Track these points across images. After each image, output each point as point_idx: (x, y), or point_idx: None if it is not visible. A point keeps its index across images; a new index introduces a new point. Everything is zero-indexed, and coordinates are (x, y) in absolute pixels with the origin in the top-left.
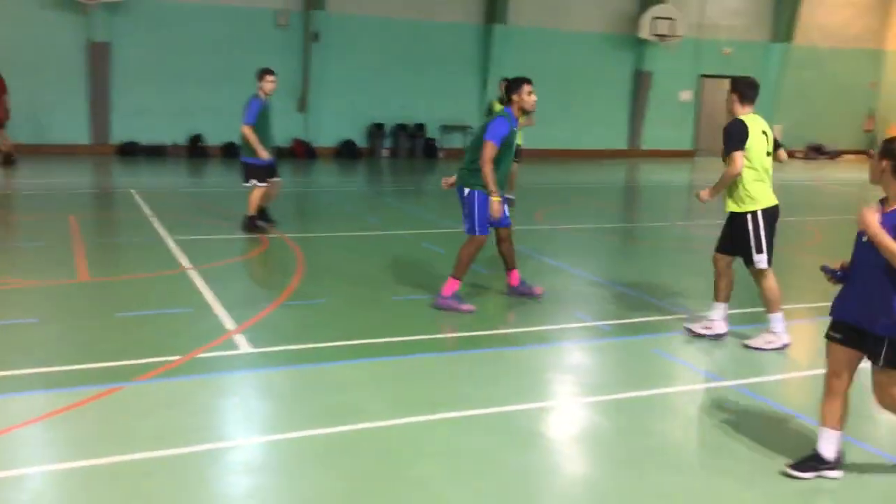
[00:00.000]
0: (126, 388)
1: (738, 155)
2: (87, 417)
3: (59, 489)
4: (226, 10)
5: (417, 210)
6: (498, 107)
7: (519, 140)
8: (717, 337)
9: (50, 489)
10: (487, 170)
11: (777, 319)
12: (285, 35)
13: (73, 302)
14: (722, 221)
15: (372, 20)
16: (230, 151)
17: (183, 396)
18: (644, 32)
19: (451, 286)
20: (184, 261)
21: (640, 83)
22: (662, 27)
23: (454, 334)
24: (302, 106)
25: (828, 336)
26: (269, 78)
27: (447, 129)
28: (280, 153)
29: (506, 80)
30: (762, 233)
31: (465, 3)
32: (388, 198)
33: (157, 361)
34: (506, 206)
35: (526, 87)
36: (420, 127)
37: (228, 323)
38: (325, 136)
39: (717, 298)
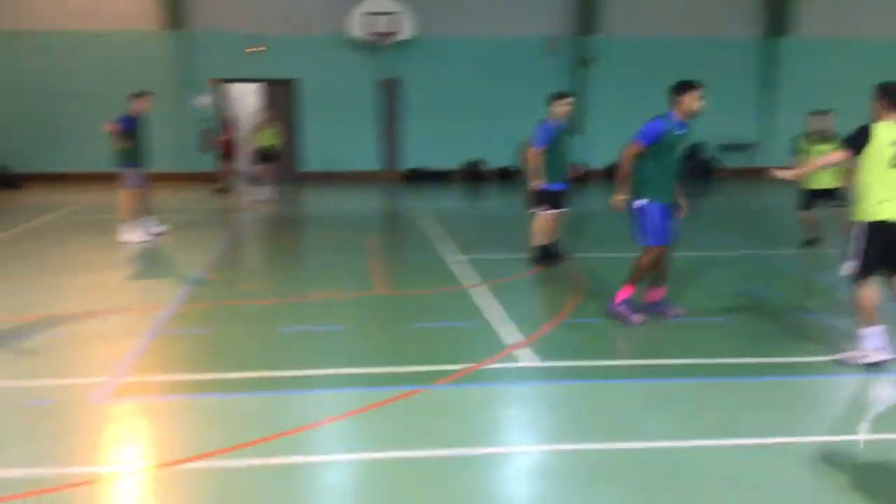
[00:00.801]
0: (424, 391)
1: (840, 153)
2: (391, 415)
3: (365, 476)
4: (503, 41)
5: (695, 232)
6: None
7: None
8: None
9: (357, 475)
10: (623, 166)
11: (864, 335)
12: (557, 61)
13: (373, 313)
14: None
15: (645, 40)
16: (506, 176)
17: (473, 402)
18: None
19: (623, 293)
20: (469, 278)
21: None
22: None
23: (740, 360)
24: (577, 128)
25: None
26: (565, 101)
27: (727, 148)
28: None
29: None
30: (861, 243)
31: (744, 16)
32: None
33: (449, 369)
34: (668, 219)
35: (693, 92)
36: (696, 147)
37: (511, 337)
38: (598, 159)
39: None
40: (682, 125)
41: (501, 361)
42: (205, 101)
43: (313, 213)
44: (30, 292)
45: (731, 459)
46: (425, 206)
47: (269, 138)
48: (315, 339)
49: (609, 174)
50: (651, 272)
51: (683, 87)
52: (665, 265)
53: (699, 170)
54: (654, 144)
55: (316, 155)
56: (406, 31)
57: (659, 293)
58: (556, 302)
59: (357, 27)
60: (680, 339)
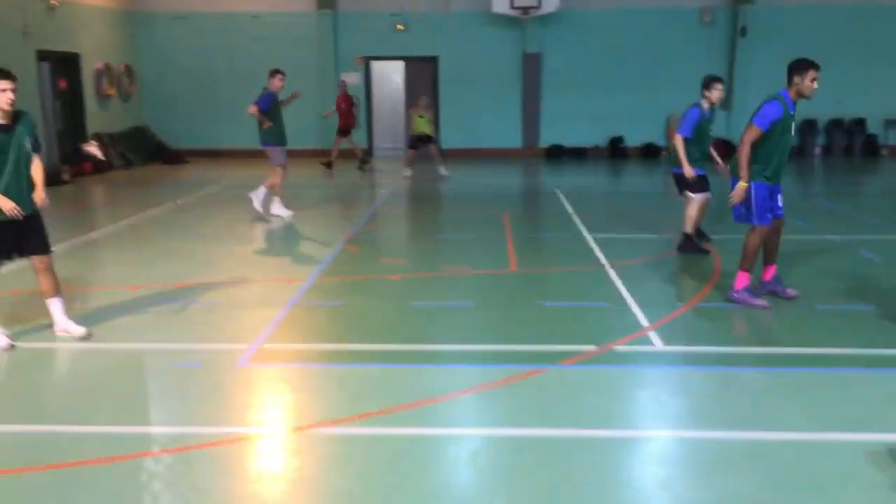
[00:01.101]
0: (550, 370)
1: None
2: (516, 393)
3: (487, 452)
4: (648, 12)
5: (855, 213)
6: None
7: None
8: None
9: (480, 451)
10: (743, 150)
11: None
12: (709, 32)
13: (504, 290)
14: None
15: (802, 9)
16: (648, 153)
17: (600, 384)
18: None
19: (741, 279)
20: (602, 257)
21: None
22: None
23: (879, 351)
24: (726, 104)
25: None
26: (718, 86)
27: (893, 123)
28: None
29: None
30: None
31: None
32: (820, 199)
33: (577, 349)
34: (779, 196)
35: (811, 73)
36: (859, 122)
37: (643, 319)
38: None
39: None
40: (793, 104)
41: (630, 344)
42: (353, 78)
43: (452, 189)
44: (187, 261)
45: (858, 456)
46: (565, 183)
47: (423, 125)
48: (446, 315)
49: None
50: (758, 251)
51: (803, 65)
52: (774, 244)
53: (863, 147)
54: (771, 128)
55: (456, 132)
56: (548, 4)
57: (770, 272)
58: (690, 285)
59: (499, 2)
60: (817, 328)
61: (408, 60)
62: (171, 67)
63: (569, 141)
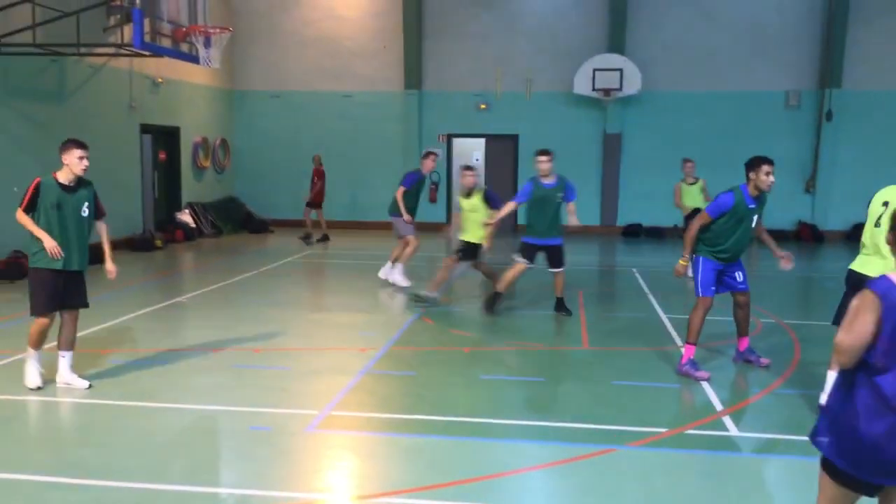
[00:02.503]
0: (618, 451)
1: None
2: (582, 472)
3: None
4: (733, 95)
5: None
6: None
7: None
8: None
9: None
10: (690, 232)
11: None
12: (794, 116)
13: (575, 366)
14: None
15: (889, 94)
16: None
17: (669, 468)
18: None
19: (686, 352)
20: (676, 338)
21: None
22: None
23: None
24: (809, 187)
25: None
26: (766, 169)
27: None
28: (783, 236)
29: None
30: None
31: None
32: None
33: (647, 431)
34: (738, 273)
35: (764, 168)
36: None
37: (717, 402)
38: (834, 219)
39: None
40: (751, 199)
41: (703, 428)
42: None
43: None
44: (267, 326)
45: None
46: (641, 262)
47: (693, 197)
48: (514, 389)
49: (848, 236)
50: (702, 324)
51: (756, 161)
52: (741, 317)
53: None
54: (719, 216)
55: None
56: (630, 86)
57: (743, 343)
58: (767, 369)
59: (581, 83)
60: None
61: (489, 138)
62: (263, 142)
63: (647, 220)
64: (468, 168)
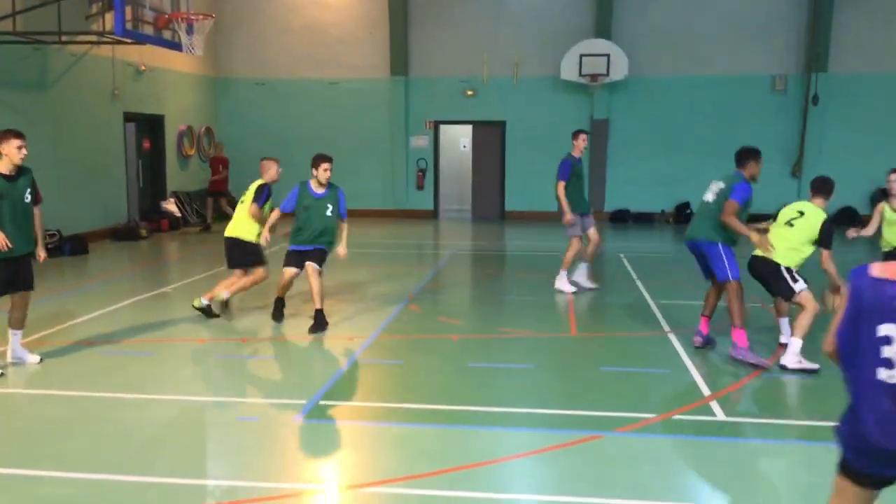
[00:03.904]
0: (606, 437)
1: None
2: (571, 459)
3: None
4: (719, 79)
5: None
6: None
7: None
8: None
9: None
10: (734, 222)
11: None
12: (781, 100)
13: (563, 353)
14: None
15: (875, 77)
16: None
17: (657, 453)
18: None
19: (739, 336)
20: (664, 323)
21: None
22: None
23: None
24: (796, 171)
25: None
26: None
27: None
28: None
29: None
30: None
31: None
32: None
33: (635, 416)
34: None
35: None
36: None
37: (704, 388)
38: None
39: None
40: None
41: (690, 413)
42: (422, 142)
43: (514, 252)
44: (253, 316)
45: None
46: (629, 248)
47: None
48: (503, 377)
49: (834, 221)
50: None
51: (751, 153)
52: (716, 300)
53: None
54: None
55: (522, 194)
56: (617, 72)
57: (706, 324)
58: (756, 352)
59: (568, 69)
60: None
61: (476, 124)
62: (248, 130)
63: (634, 206)
64: None
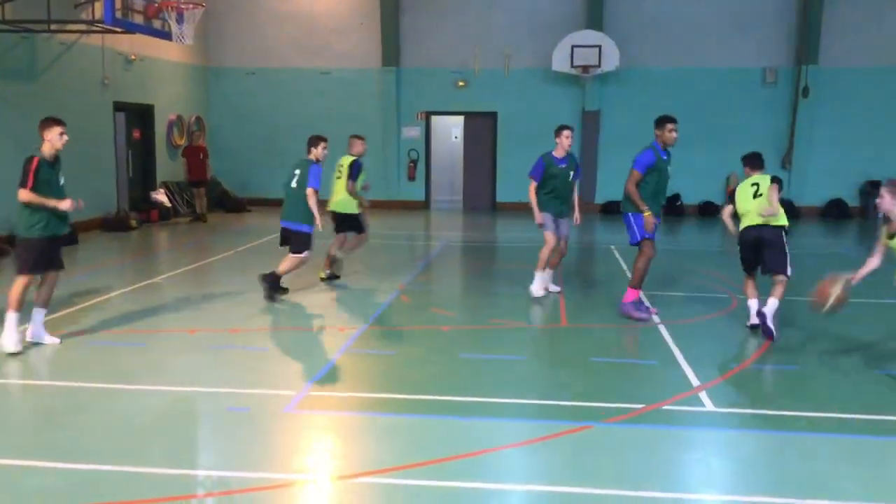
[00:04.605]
0: (595, 427)
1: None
2: (560, 449)
3: None
4: (710, 72)
5: None
6: None
7: None
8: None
9: None
10: (631, 189)
11: None
12: (771, 92)
13: (556, 344)
14: None
15: (864, 70)
16: (706, 211)
17: (645, 443)
18: None
19: (629, 295)
20: (654, 314)
21: None
22: None
23: None
24: (786, 163)
25: None
26: (670, 126)
27: None
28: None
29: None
30: None
31: None
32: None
33: (624, 407)
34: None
35: (668, 125)
36: None
37: (693, 379)
38: (810, 195)
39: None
40: (665, 152)
41: (679, 404)
42: (413, 132)
43: (506, 243)
44: (244, 307)
45: None
46: (620, 240)
47: None
48: (493, 367)
49: (823, 213)
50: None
51: (662, 120)
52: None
53: None
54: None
55: (514, 185)
56: (608, 63)
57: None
58: (744, 345)
59: (560, 60)
60: (875, 393)
61: (467, 116)
62: (239, 120)
63: None
64: None
